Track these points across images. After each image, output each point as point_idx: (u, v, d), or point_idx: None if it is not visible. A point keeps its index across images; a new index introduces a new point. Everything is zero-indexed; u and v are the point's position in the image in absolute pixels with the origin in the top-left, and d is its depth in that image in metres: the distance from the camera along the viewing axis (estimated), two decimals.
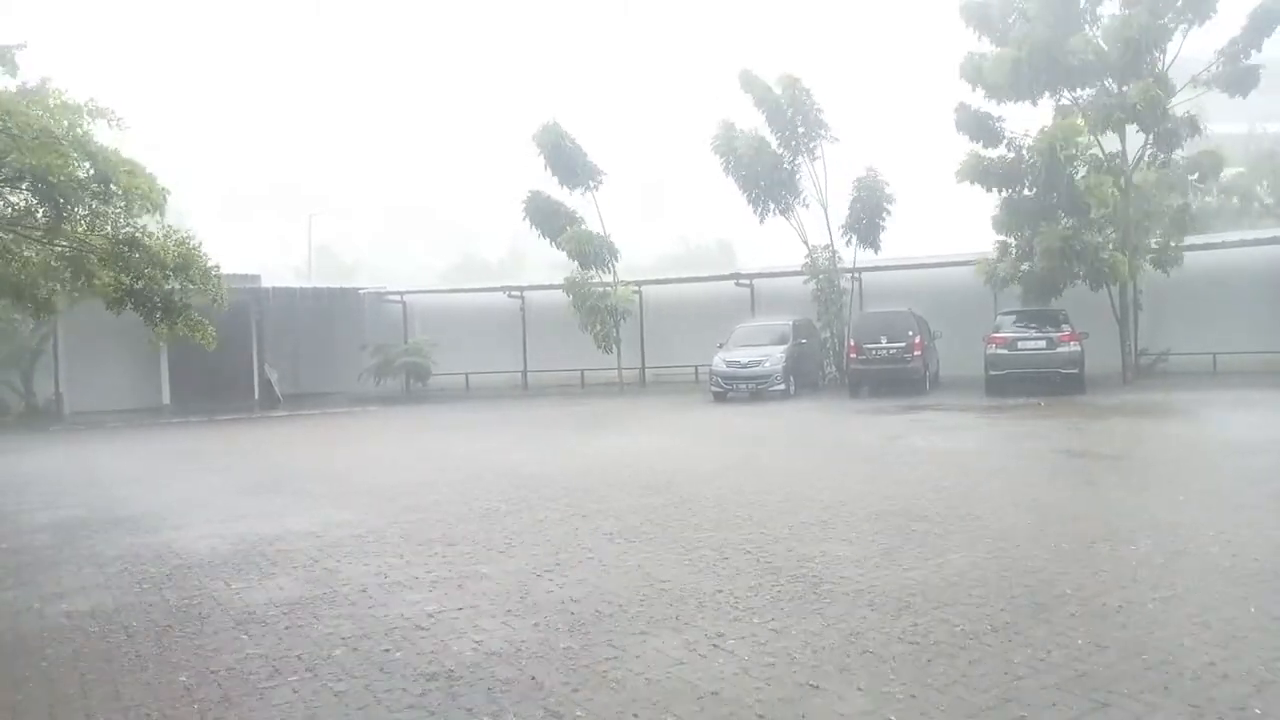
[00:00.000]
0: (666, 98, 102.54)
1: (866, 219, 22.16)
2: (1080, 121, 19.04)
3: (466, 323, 27.99)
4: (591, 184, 23.95)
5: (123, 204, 8.44)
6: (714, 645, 4.50)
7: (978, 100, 20.18)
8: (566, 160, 23.58)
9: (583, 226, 23.74)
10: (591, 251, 23.41)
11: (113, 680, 4.41)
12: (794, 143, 22.79)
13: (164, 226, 9.14)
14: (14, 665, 4.69)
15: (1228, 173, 25.94)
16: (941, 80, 22.57)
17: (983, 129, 20.29)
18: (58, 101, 8.14)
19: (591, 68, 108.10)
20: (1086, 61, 18.42)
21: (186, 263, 8.89)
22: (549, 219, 23.88)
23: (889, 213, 22.22)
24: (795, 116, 22.59)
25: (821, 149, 22.88)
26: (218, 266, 9.55)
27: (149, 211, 8.75)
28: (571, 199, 24.15)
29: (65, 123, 7.90)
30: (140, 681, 4.37)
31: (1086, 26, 19.29)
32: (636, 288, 25.57)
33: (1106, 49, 18.56)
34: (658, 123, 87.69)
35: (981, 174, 19.50)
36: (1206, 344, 20.77)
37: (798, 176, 23.03)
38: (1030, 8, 19.17)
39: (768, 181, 22.70)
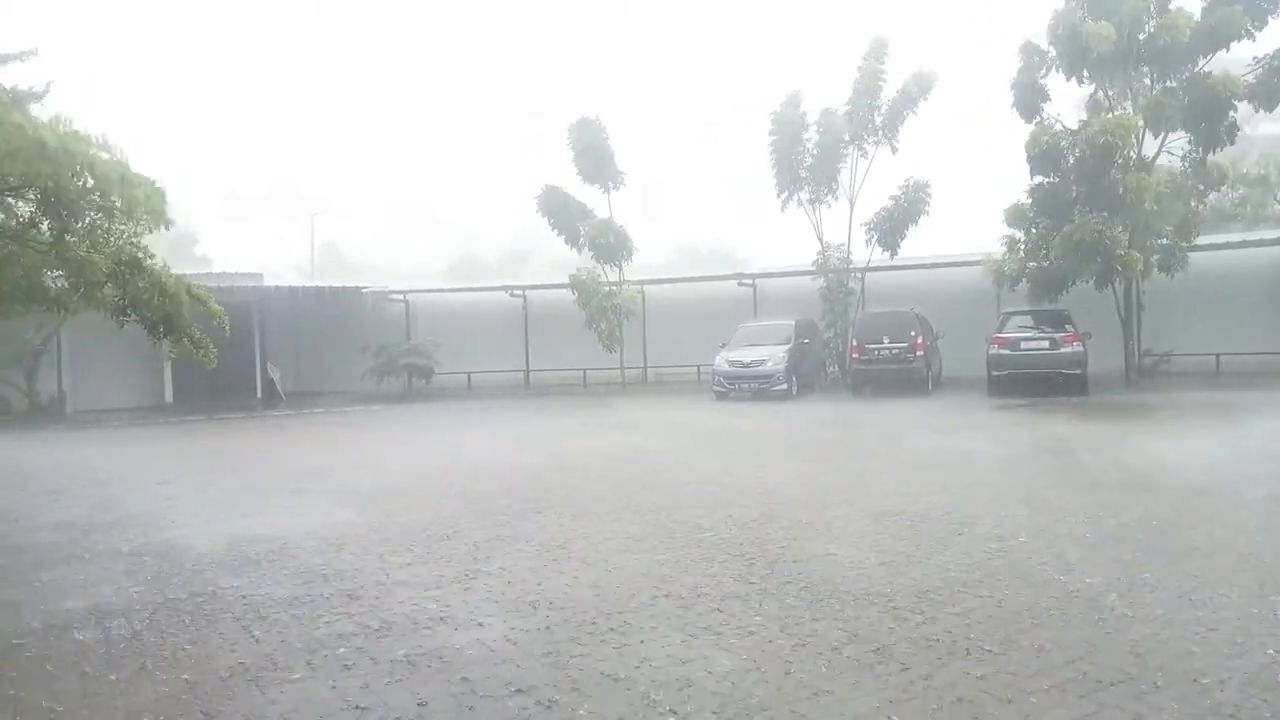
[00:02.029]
0: (666, 98, 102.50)
1: (894, 223, 22.05)
2: (1138, 119, 18.67)
3: (469, 322, 28.00)
4: (612, 184, 24.03)
5: (124, 219, 8.26)
6: (716, 644, 4.50)
7: (1029, 69, 19.75)
8: (596, 157, 23.69)
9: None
10: (612, 243, 23.37)
11: (115, 678, 4.41)
12: (861, 132, 22.51)
13: (159, 261, 8.90)
14: (16, 662, 4.69)
15: (1251, 169, 25.90)
16: (942, 84, 22.45)
17: (1030, 102, 19.79)
18: (66, 130, 7.98)
19: (591, 68, 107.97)
20: (1166, 44, 17.85)
21: (179, 290, 8.74)
22: (564, 214, 23.91)
23: (916, 223, 22.15)
24: (877, 106, 22.28)
25: (874, 150, 22.79)
26: (208, 293, 9.30)
27: (152, 225, 8.59)
28: (590, 198, 24.24)
29: (60, 131, 7.77)
30: (143, 679, 4.38)
31: (1154, 10, 18.60)
32: (640, 287, 25.57)
33: (1178, 38, 17.91)
34: (657, 123, 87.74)
35: (1042, 154, 18.61)
36: (1209, 345, 20.74)
37: (840, 167, 22.89)
38: None
39: (811, 169, 22.56)
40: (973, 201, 25.43)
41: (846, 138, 22.59)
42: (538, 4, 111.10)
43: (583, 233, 23.70)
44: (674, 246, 55.39)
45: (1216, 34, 18.04)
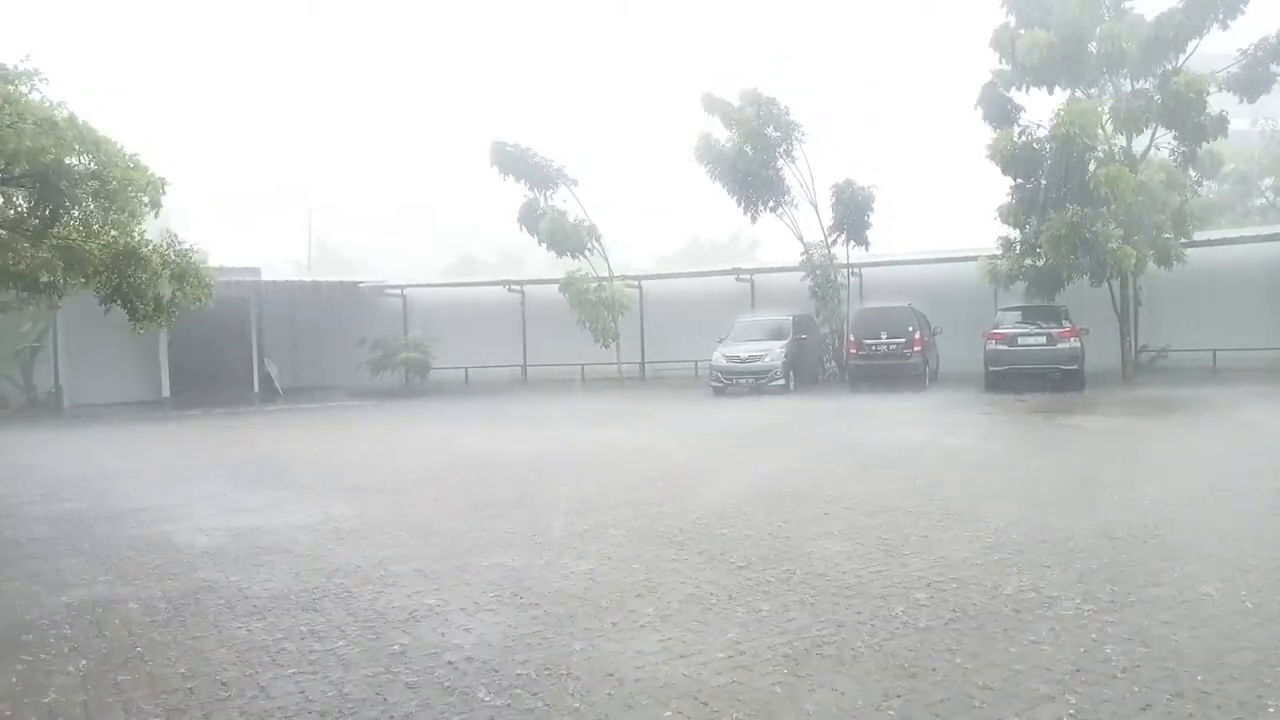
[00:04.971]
0: (670, 95, 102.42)
1: (851, 220, 22.22)
2: (1100, 109, 18.76)
3: (466, 317, 27.98)
4: (563, 183, 24.04)
5: (122, 204, 8.26)
6: (713, 639, 4.50)
7: (1001, 80, 20.10)
8: (528, 170, 23.88)
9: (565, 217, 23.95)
10: (567, 237, 23.46)
11: (111, 672, 4.41)
12: (769, 149, 22.73)
13: (166, 233, 9.00)
14: (13, 656, 4.69)
15: (1230, 166, 25.96)
16: (942, 76, 22.56)
17: (1001, 112, 20.12)
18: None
19: (592, 66, 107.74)
20: (1114, 51, 18.22)
21: (184, 272, 8.80)
22: (538, 221, 24.08)
23: (872, 211, 22.27)
24: (765, 126, 22.59)
25: (800, 151, 22.92)
26: (213, 271, 9.43)
27: (149, 208, 8.60)
28: (555, 200, 24.28)
29: (67, 112, 7.79)
30: (139, 673, 4.38)
31: (1107, 17, 18.84)
32: (636, 283, 25.57)
33: (1127, 45, 18.29)
34: (661, 121, 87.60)
35: (1008, 158, 18.98)
36: (1206, 340, 20.76)
37: (783, 176, 23.04)
38: None
39: (754, 182, 22.76)
40: (978, 196, 25.34)
41: (762, 158, 22.69)
42: (539, 4, 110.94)
43: (543, 231, 23.78)
44: (688, 237, 55.51)
45: (1167, 40, 18.33)
